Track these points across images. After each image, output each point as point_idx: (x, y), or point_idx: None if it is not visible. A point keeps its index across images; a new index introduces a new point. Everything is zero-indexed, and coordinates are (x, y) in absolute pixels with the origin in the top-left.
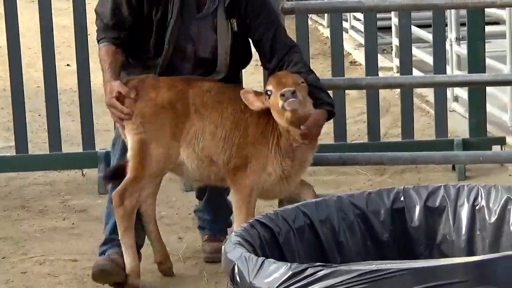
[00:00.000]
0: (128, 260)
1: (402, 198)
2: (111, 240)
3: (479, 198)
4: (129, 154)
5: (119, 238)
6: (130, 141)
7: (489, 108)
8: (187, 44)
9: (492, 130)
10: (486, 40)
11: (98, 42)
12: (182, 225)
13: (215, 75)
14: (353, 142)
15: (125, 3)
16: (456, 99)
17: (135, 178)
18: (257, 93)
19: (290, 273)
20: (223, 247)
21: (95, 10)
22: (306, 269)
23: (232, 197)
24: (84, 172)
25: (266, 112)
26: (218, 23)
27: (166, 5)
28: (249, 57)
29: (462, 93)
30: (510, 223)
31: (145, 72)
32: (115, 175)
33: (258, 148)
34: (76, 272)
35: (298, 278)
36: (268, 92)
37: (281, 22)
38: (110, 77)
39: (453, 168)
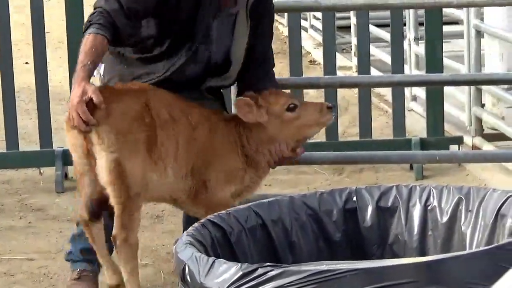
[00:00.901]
0: None
1: (354, 198)
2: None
3: (431, 198)
4: (107, 179)
5: (125, 278)
6: (104, 161)
7: (447, 107)
8: (203, 45)
9: (449, 130)
10: (444, 40)
11: (89, 24)
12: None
13: (224, 81)
14: (311, 141)
15: None
16: (414, 98)
17: (125, 206)
18: (258, 105)
19: (240, 273)
20: (174, 247)
21: None
22: (256, 269)
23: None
24: (41, 171)
25: (225, 122)
26: (237, 25)
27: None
28: None
29: (420, 92)
30: (462, 223)
31: (148, 73)
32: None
33: (224, 163)
34: (32, 271)
35: (249, 278)
36: (291, 106)
37: None
38: (85, 77)
39: (411, 167)
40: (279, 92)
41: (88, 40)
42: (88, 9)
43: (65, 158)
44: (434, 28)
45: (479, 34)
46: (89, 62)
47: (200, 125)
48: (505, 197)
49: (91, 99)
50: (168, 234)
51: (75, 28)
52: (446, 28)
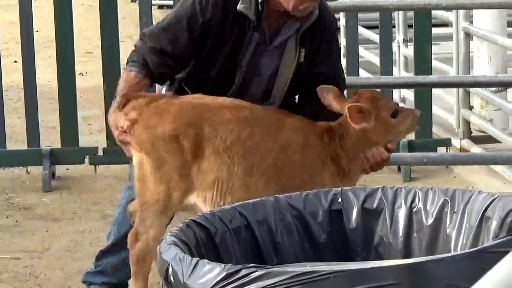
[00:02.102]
0: None
1: (339, 200)
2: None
3: (417, 200)
4: (134, 176)
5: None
6: (134, 160)
7: (435, 109)
8: (252, 77)
9: (438, 132)
10: (434, 42)
11: (126, 63)
12: None
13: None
14: None
15: (186, 30)
16: (403, 100)
17: (142, 207)
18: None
19: (224, 274)
20: (158, 247)
21: (142, 31)
22: (240, 270)
23: None
24: (28, 170)
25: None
26: (286, 53)
27: (241, 37)
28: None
29: (409, 94)
30: (447, 225)
31: None
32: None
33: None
34: (18, 271)
35: (232, 279)
36: (395, 111)
37: None
38: (115, 108)
39: (399, 169)
40: (380, 95)
41: (122, 76)
42: (75, 9)
43: (52, 157)
44: (423, 30)
45: (468, 36)
46: (119, 97)
47: (292, 144)
48: (490, 200)
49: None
50: None
51: (63, 27)
52: (435, 30)
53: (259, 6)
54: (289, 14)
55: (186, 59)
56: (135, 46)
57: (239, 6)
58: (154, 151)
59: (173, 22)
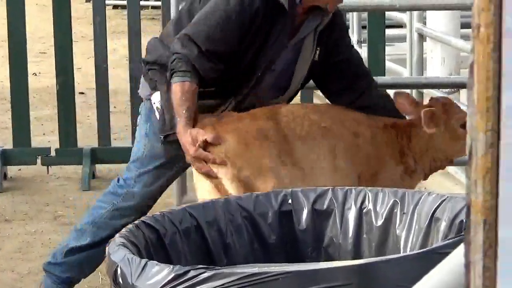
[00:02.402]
0: None
1: (290, 201)
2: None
3: (366, 201)
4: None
5: None
6: (221, 174)
7: None
8: (266, 74)
9: None
10: (387, 43)
11: (173, 73)
12: None
13: (276, 101)
14: None
15: (238, 27)
16: None
17: None
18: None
19: (172, 275)
20: (107, 248)
21: (184, 36)
22: (188, 271)
23: None
24: None
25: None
26: (303, 51)
27: (271, 30)
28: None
29: None
30: (396, 226)
31: (216, 105)
32: None
33: (390, 172)
34: None
35: (180, 280)
36: (465, 122)
37: None
38: (186, 124)
39: None
40: (453, 103)
41: (176, 89)
42: (29, 8)
43: (4, 157)
44: (377, 31)
45: (422, 37)
46: (184, 111)
47: (361, 133)
48: (440, 201)
49: (205, 141)
50: None
51: (16, 26)
52: (389, 31)
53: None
54: (311, 11)
55: (231, 59)
56: (177, 53)
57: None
58: (250, 155)
59: (222, 21)
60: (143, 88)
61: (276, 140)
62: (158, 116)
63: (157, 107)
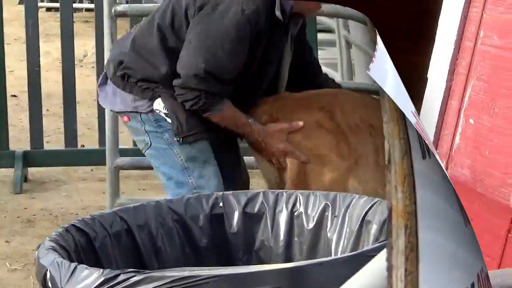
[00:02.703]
0: None
1: (221, 204)
2: None
3: (298, 204)
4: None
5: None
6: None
7: None
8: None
9: None
10: (320, 48)
11: (205, 107)
12: (10, 228)
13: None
14: None
15: (248, 46)
16: None
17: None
18: None
19: (102, 279)
20: (36, 252)
21: (205, 71)
22: (118, 275)
23: None
24: None
25: None
26: (286, 50)
27: (273, 40)
28: None
29: None
30: (328, 229)
31: None
32: None
33: None
34: None
35: (110, 284)
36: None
37: None
38: (256, 124)
39: None
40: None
41: (224, 113)
42: None
43: None
44: (309, 35)
45: (349, 44)
46: (248, 120)
47: None
48: (371, 204)
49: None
50: (40, 239)
51: None
52: (321, 36)
53: (285, 10)
54: (291, 18)
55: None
56: (208, 92)
57: (277, 13)
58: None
59: (235, 45)
60: (123, 103)
61: (334, 131)
62: (170, 120)
63: (165, 113)
